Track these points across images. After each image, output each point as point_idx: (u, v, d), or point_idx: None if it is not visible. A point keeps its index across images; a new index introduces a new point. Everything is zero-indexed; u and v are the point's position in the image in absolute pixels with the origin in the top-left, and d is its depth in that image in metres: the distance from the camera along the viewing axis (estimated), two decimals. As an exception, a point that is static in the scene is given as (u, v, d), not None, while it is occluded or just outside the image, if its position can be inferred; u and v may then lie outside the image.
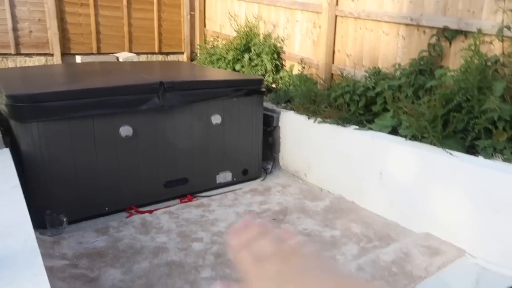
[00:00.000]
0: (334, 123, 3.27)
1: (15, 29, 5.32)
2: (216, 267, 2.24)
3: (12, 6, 5.26)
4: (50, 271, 2.17)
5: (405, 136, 2.84)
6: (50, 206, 2.62)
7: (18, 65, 5.42)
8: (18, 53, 5.42)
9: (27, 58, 5.51)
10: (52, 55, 5.61)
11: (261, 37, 5.13)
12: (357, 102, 3.39)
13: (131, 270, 2.22)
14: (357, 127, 3.17)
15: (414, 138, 2.80)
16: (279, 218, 2.83)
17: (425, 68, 3.26)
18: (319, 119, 3.37)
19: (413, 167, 2.68)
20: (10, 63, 5.40)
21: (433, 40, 3.28)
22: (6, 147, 2.60)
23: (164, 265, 2.26)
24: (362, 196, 3.04)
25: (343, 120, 3.26)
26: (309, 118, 3.45)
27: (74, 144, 2.70)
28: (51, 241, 2.48)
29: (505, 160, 2.45)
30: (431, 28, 3.30)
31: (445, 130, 2.66)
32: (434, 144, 2.66)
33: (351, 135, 3.11)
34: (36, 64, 5.55)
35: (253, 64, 4.97)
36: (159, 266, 2.25)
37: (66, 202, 2.71)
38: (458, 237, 2.40)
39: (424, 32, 3.37)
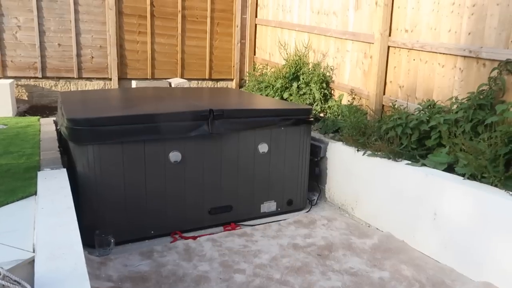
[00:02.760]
0: (384, 157, 3.15)
1: (78, 55, 5.72)
2: (258, 302, 2.18)
3: (78, 34, 5.67)
4: (95, 293, 2.21)
5: (462, 175, 2.67)
6: (100, 227, 2.70)
7: (79, 88, 5.79)
8: (80, 77, 5.80)
9: (88, 82, 5.88)
10: (110, 79, 5.95)
11: (310, 66, 5.14)
12: (409, 135, 3.26)
13: (173, 298, 2.21)
14: (409, 162, 3.04)
15: (472, 177, 2.62)
16: (324, 254, 2.73)
17: (485, 103, 3.08)
18: (369, 152, 3.27)
19: (471, 209, 2.50)
20: (73, 86, 5.78)
21: (494, 73, 3.11)
22: (64, 167, 2.74)
23: (205, 296, 2.23)
24: (414, 235, 2.87)
25: (394, 154, 3.14)
26: (358, 151, 3.36)
27: (126, 167, 2.79)
28: (98, 261, 2.54)
29: None
30: (492, 61, 3.13)
31: (508, 171, 2.48)
32: (495, 185, 2.48)
33: (403, 170, 2.97)
34: (96, 87, 5.89)
35: (301, 92, 4.97)
36: (200, 296, 2.23)
37: (115, 223, 2.78)
38: (524, 290, 2.18)
39: (484, 64, 3.21)
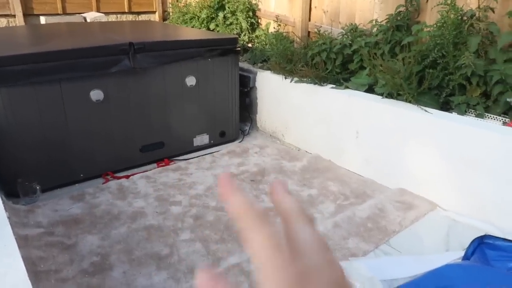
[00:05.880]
0: (311, 83, 3.23)
1: (-30, -12, 4.95)
2: (195, 229, 2.26)
3: (-36, -39, 4.86)
4: (25, 240, 2.14)
5: (381, 94, 2.84)
6: (22, 175, 2.54)
7: (-23, 27, 5.08)
8: (-24, 14, 5.07)
9: (-13, 20, 5.17)
10: (13, 16, 5.28)
11: (236, -7, 4.93)
12: (334, 60, 3.34)
13: (109, 236, 2.21)
14: (333, 85, 3.15)
15: (390, 96, 2.80)
16: (257, 179, 2.84)
17: (402, 24, 3.21)
18: (295, 78, 3.32)
19: (389, 125, 2.70)
20: (-32, 25, 5.06)
21: (410, -6, 3.21)
22: (-31, 115, 2.48)
23: (142, 230, 2.26)
24: (339, 154, 3.07)
25: (320, 79, 3.23)
26: (285, 78, 3.40)
27: (42, 110, 2.59)
28: (25, 209, 2.42)
29: (477, 115, 2.49)
30: (409, -19, 3.21)
31: (421, 87, 2.67)
32: (409, 101, 2.67)
33: (328, 94, 3.09)
34: (-3, 26, 5.21)
35: (227, 22, 4.81)
36: (138, 231, 2.25)
37: (39, 170, 2.63)
38: (431, 192, 2.47)
39: (402, -14, 3.29)
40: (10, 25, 5.29)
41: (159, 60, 2.99)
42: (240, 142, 3.60)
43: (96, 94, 2.77)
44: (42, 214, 2.38)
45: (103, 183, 2.79)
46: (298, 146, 3.45)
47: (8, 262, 1.27)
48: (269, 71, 3.65)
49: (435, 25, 2.84)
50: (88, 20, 5.43)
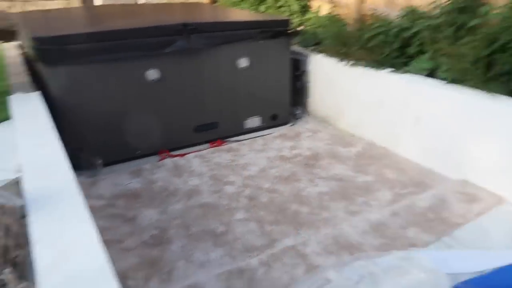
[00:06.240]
0: (367, 66, 3.12)
1: (32, -30, 5.16)
2: (250, 209, 2.27)
3: None
4: (89, 210, 2.23)
5: (444, 79, 2.70)
6: (84, 149, 2.65)
7: (38, 9, 5.31)
8: (37, -4, 5.29)
9: (46, 2, 5.39)
10: (71, -2, 5.47)
11: (287, -25, 4.83)
12: (391, 43, 3.20)
13: (166, 211, 2.26)
14: (392, 69, 3.02)
15: (454, 81, 2.65)
16: (310, 163, 2.81)
17: (466, 6, 3.02)
18: (351, 62, 3.22)
19: (452, 112, 2.56)
20: (30, 7, 5.30)
21: (479, -27, 3.00)
22: (36, 91, 2.60)
23: (198, 207, 2.30)
24: (396, 142, 2.96)
25: (377, 63, 3.11)
26: (340, 61, 3.30)
27: (102, 88, 2.68)
28: (87, 182, 2.53)
29: (554, 104, 2.31)
30: (478, -40, 3.00)
31: (488, 73, 2.50)
32: (476, 88, 2.52)
33: (386, 78, 2.97)
34: (56, 7, 5.42)
35: (278, 5, 4.73)
36: (194, 208, 2.29)
37: (99, 145, 2.74)
38: (497, 184, 2.33)
39: (470, -35, 3.08)
40: (68, 6, 5.49)
41: (212, 41, 3.00)
42: (291, 125, 3.56)
43: (152, 74, 2.82)
44: (104, 187, 2.48)
45: (159, 160, 2.86)
46: (351, 132, 3.36)
47: (82, 230, 1.32)
48: (322, 54, 3.56)
49: (505, 6, 2.64)
50: (141, 2, 5.54)
